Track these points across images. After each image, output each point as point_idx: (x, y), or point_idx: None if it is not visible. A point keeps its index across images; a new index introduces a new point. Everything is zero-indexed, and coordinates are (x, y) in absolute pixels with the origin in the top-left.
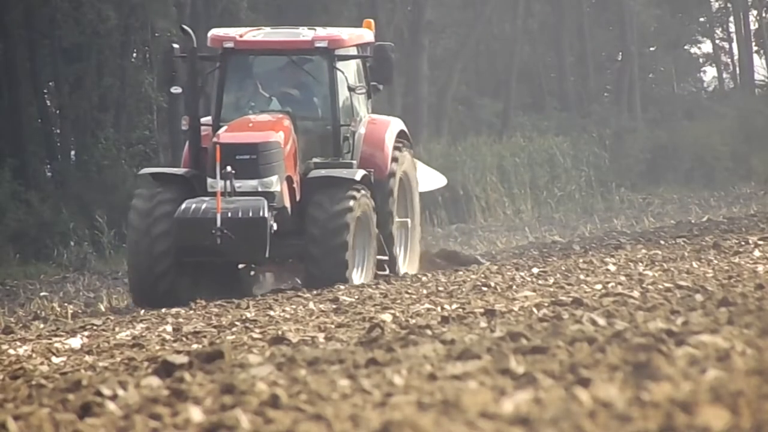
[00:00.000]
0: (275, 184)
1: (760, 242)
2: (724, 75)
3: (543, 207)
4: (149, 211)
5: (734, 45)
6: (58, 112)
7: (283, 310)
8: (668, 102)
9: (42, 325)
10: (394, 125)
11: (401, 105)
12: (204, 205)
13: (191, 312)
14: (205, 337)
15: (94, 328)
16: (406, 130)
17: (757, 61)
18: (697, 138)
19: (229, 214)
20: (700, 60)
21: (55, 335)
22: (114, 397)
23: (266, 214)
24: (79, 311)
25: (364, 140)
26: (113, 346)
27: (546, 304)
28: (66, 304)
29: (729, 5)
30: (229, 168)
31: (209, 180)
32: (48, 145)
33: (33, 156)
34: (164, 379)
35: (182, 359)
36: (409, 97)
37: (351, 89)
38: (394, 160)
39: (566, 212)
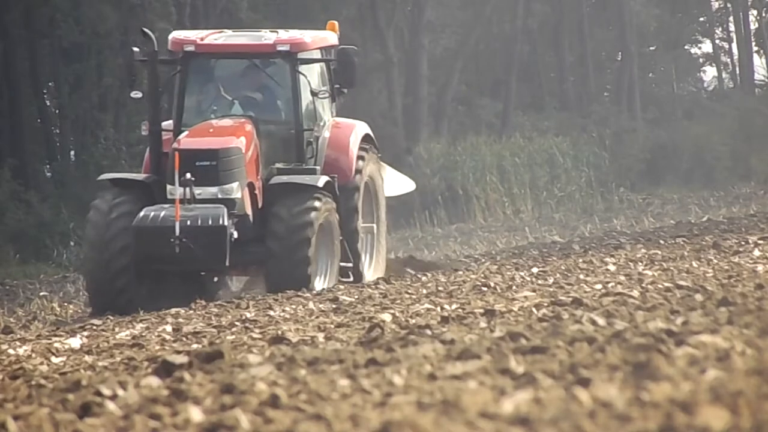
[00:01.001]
0: (236, 190)
1: (760, 242)
2: (724, 75)
3: (543, 207)
4: (108, 219)
5: (734, 45)
6: (57, 112)
7: (283, 310)
8: (668, 102)
9: (41, 325)
10: (359, 129)
11: (401, 105)
12: (163, 213)
13: (191, 312)
14: (204, 337)
15: (94, 328)
16: (371, 134)
17: (757, 61)
18: (696, 138)
19: (188, 223)
20: (700, 60)
21: (55, 335)
22: (114, 397)
23: (226, 222)
24: (79, 311)
25: (328, 145)
26: (113, 346)
27: (546, 304)
28: (66, 304)
29: (729, 5)
30: (188, 175)
31: (168, 187)
32: (48, 145)
33: (33, 156)
34: (164, 379)
35: (182, 359)
36: (409, 97)
37: (314, 93)
38: (359, 164)
39: (566, 212)
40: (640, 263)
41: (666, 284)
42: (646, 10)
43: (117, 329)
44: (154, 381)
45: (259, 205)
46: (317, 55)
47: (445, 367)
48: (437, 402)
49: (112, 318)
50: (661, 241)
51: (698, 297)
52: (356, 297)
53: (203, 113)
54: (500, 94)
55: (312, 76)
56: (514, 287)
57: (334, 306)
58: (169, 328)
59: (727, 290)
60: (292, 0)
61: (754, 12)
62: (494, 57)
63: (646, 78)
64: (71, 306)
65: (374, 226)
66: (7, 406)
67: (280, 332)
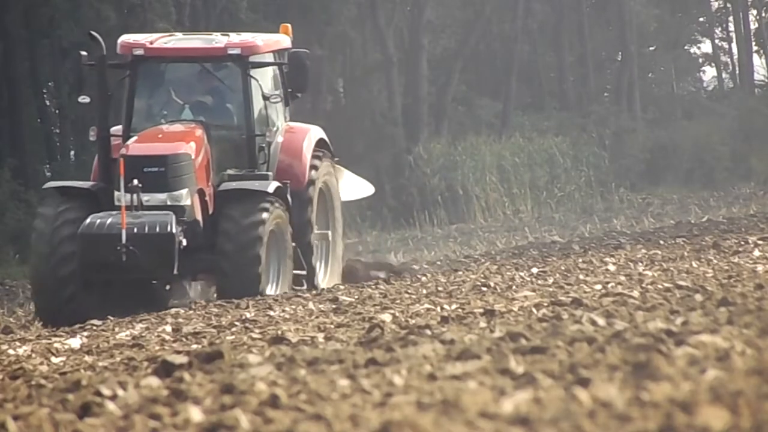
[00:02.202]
0: (185, 197)
1: (760, 242)
2: (724, 75)
3: (543, 207)
4: (53, 228)
5: (734, 45)
6: (57, 112)
7: (283, 310)
8: (668, 102)
9: (41, 325)
10: (313, 134)
11: (401, 105)
12: (109, 220)
13: (191, 312)
14: (204, 337)
15: (94, 328)
16: (326, 138)
17: (757, 61)
18: (696, 138)
19: (135, 230)
20: (700, 60)
21: (55, 335)
22: (114, 397)
23: (174, 230)
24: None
25: (281, 150)
26: (113, 346)
27: (545, 304)
28: None
29: (729, 5)
30: (135, 181)
31: (115, 194)
32: (48, 145)
33: (33, 156)
34: (164, 379)
35: (182, 359)
36: (409, 97)
37: (266, 97)
38: (313, 169)
39: (566, 212)
40: (640, 263)
41: (666, 284)
42: (646, 10)
43: (117, 329)
44: (154, 381)
45: (210, 211)
46: (270, 58)
47: (445, 367)
48: (437, 402)
49: (112, 318)
50: (661, 242)
51: (698, 297)
52: (356, 297)
53: (153, 118)
54: (500, 94)
55: (264, 80)
56: (513, 287)
57: (334, 306)
58: (168, 328)
59: (727, 290)
60: (291, 0)
61: (754, 12)
62: (494, 57)
63: (646, 78)
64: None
65: (329, 232)
66: (7, 406)
67: (280, 332)
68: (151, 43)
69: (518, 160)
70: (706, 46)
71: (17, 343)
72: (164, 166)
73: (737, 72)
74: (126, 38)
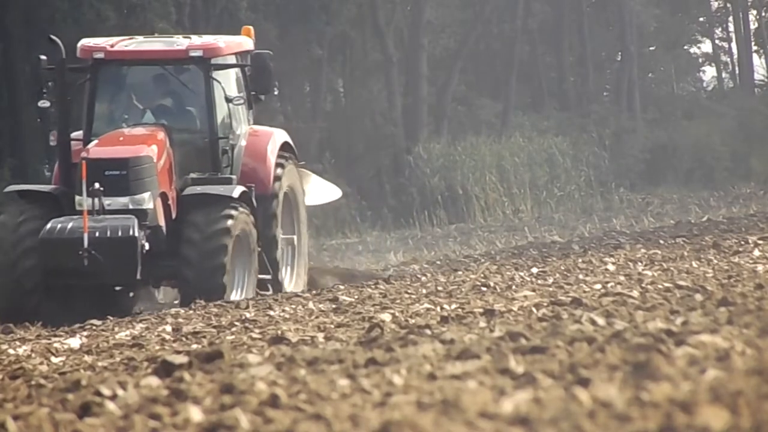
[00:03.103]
0: (148, 201)
1: (760, 242)
2: (724, 75)
3: (542, 207)
4: (15, 233)
5: (734, 45)
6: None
7: (283, 310)
8: (668, 102)
9: (41, 325)
10: (277, 137)
11: (401, 105)
12: (70, 225)
13: (191, 312)
14: (204, 337)
15: (94, 328)
16: (290, 141)
17: (757, 61)
18: (696, 138)
19: (97, 234)
20: (700, 60)
21: (55, 335)
22: (113, 397)
23: (136, 233)
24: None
25: (245, 153)
26: (113, 346)
27: (545, 304)
28: None
29: (728, 5)
30: (97, 185)
31: (77, 198)
32: (47, 145)
33: (33, 156)
34: (164, 378)
35: (182, 359)
36: (408, 97)
37: (228, 100)
38: (278, 173)
39: (566, 212)
40: (639, 263)
41: (666, 284)
42: (646, 10)
43: (117, 329)
44: (153, 381)
45: (173, 216)
46: (232, 60)
47: (445, 367)
48: (437, 402)
49: (111, 318)
50: (661, 241)
51: (698, 297)
52: (356, 297)
53: (114, 122)
54: (500, 94)
55: (227, 82)
56: (513, 287)
57: (333, 306)
58: (168, 328)
59: (727, 290)
60: (291, 0)
61: (754, 12)
62: (494, 57)
63: (646, 78)
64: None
65: (294, 237)
66: (7, 406)
67: (279, 332)
68: (112, 46)
69: (518, 160)
70: (706, 46)
71: (17, 343)
72: (126, 169)
73: (737, 72)
74: (86, 42)
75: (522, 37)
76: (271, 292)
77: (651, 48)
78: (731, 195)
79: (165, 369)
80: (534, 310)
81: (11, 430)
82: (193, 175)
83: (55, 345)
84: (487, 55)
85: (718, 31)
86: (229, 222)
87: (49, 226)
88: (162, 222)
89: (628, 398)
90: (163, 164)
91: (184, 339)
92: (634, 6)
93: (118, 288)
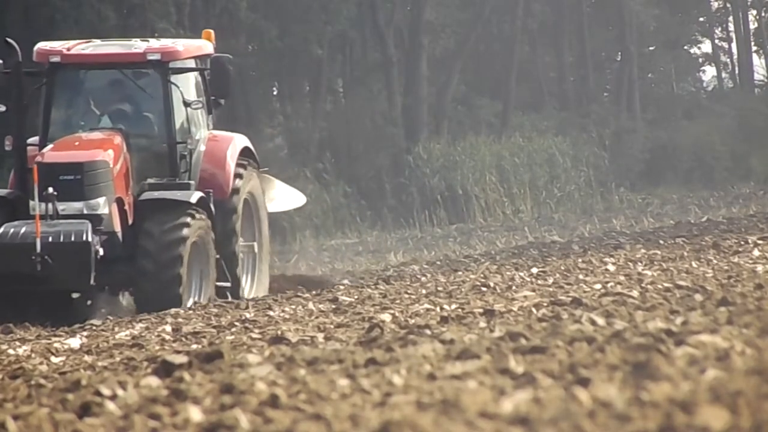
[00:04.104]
0: (103, 206)
1: (760, 242)
2: (724, 75)
3: (542, 207)
4: None
5: (733, 45)
6: None
7: (283, 311)
8: (668, 102)
9: (41, 325)
10: (238, 142)
11: (401, 105)
12: (23, 229)
13: (191, 312)
14: (204, 337)
15: (94, 328)
16: (251, 147)
17: (757, 61)
18: (696, 138)
19: (50, 239)
20: (700, 60)
21: (55, 335)
22: (113, 397)
23: (90, 239)
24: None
25: (204, 158)
26: (112, 346)
27: (545, 304)
28: None
29: (728, 5)
30: (51, 189)
31: (30, 202)
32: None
33: None
34: (163, 378)
35: (182, 359)
36: (408, 97)
37: (187, 104)
38: (238, 178)
39: (565, 212)
40: (639, 263)
41: (666, 284)
42: (646, 10)
43: (117, 329)
44: (153, 381)
45: (130, 221)
46: (191, 64)
47: (445, 367)
48: (437, 402)
49: (111, 318)
50: (661, 241)
51: (698, 297)
52: (356, 297)
53: (71, 127)
54: (500, 94)
55: (187, 87)
56: (513, 287)
57: (333, 306)
58: (168, 328)
59: (727, 290)
60: (291, 0)
61: (754, 12)
62: (494, 57)
63: (646, 78)
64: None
65: (255, 244)
66: (6, 406)
67: (279, 332)
68: (68, 49)
69: (518, 160)
70: (706, 46)
71: (17, 343)
72: (80, 173)
73: (737, 72)
74: (42, 45)
75: (522, 37)
76: (229, 300)
77: (651, 48)
78: (731, 195)
79: (165, 369)
80: (534, 310)
81: (11, 430)
82: (150, 181)
83: (55, 345)
84: (487, 55)
85: (718, 31)
86: (185, 230)
87: (1, 230)
88: (118, 228)
89: (628, 398)
90: (119, 169)
91: (184, 339)
92: (634, 6)
93: (75, 295)
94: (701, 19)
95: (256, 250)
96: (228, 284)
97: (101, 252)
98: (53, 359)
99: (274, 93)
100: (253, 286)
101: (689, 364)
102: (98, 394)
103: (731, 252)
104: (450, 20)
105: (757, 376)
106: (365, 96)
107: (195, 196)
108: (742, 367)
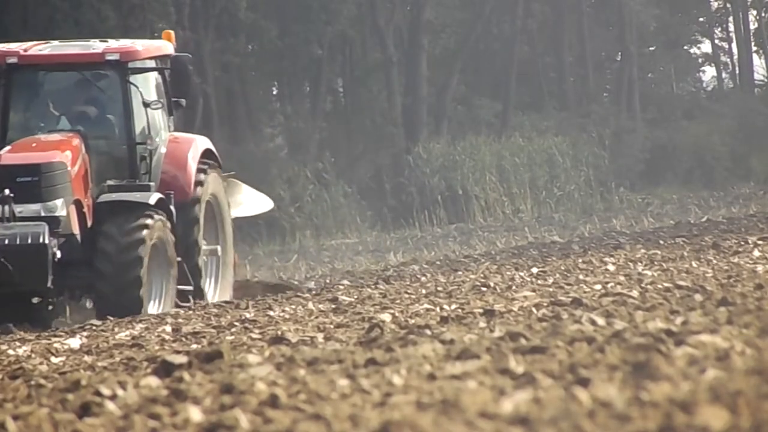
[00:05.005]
0: (60, 208)
1: (760, 242)
2: (724, 75)
3: (542, 207)
4: None
5: (733, 45)
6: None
7: (283, 311)
8: (667, 102)
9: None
10: (199, 144)
11: (401, 105)
12: None
13: (190, 312)
14: (204, 337)
15: (94, 328)
16: (213, 149)
17: (757, 61)
18: (696, 138)
19: (6, 241)
20: (700, 60)
21: (55, 335)
22: (113, 397)
23: (47, 241)
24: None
25: (165, 160)
26: (112, 346)
27: (545, 304)
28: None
29: (728, 5)
30: (7, 191)
31: None
32: None
33: None
34: (163, 379)
35: (181, 359)
36: (408, 97)
37: (146, 104)
38: (199, 181)
39: (565, 212)
40: (639, 263)
41: (665, 284)
42: (646, 10)
43: (117, 329)
44: (153, 381)
45: (88, 224)
46: (150, 65)
47: (445, 367)
48: (437, 402)
49: (111, 318)
50: (661, 242)
51: (698, 297)
52: (356, 297)
53: (30, 129)
54: (500, 94)
55: (146, 87)
56: (513, 287)
57: (333, 306)
58: (168, 328)
59: (727, 290)
60: (291, 0)
61: (754, 12)
62: (494, 57)
63: (646, 78)
64: (69, 306)
65: (218, 247)
66: (6, 406)
67: (279, 332)
68: (25, 50)
69: (518, 160)
70: (706, 46)
71: (17, 343)
72: (38, 175)
73: (737, 72)
74: None
75: (521, 37)
76: (191, 303)
77: (651, 48)
78: (731, 195)
79: (165, 369)
80: (534, 310)
81: (11, 430)
82: (110, 182)
83: (55, 345)
84: (487, 55)
85: (717, 31)
86: (144, 232)
87: None
88: (76, 230)
89: (627, 398)
90: (77, 171)
91: (183, 339)
92: (634, 6)
93: (34, 300)
94: (701, 19)
95: (219, 253)
96: (190, 288)
97: (59, 254)
98: (53, 359)
99: (274, 93)
100: (216, 290)
101: (689, 364)
102: (98, 394)
103: (731, 252)
104: (450, 20)
105: (757, 376)
106: (365, 96)
107: (154, 198)
108: (742, 367)
